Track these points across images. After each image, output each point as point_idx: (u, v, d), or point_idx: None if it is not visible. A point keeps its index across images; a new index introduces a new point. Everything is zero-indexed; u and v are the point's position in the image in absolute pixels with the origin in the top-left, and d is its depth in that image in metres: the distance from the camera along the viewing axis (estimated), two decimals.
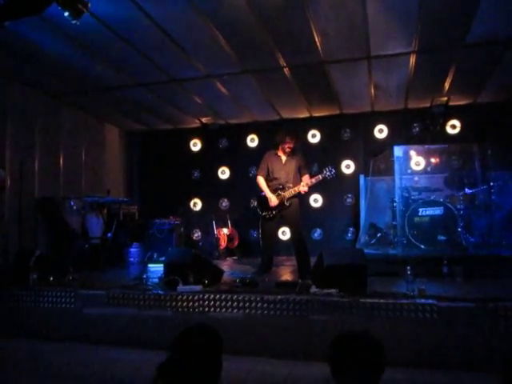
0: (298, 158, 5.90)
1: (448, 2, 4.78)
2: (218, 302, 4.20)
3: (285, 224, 6.39)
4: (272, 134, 9.04)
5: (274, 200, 5.69)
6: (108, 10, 4.84)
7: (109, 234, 7.49)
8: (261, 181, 5.92)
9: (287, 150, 5.80)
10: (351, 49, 5.84)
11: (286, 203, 5.68)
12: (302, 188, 5.63)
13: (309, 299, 3.98)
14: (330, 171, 5.63)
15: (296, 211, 5.79)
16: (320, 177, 5.65)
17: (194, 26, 5.22)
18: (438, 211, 6.38)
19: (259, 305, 4.07)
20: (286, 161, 5.87)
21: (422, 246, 6.24)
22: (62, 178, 7.82)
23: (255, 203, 6.18)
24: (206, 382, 1.57)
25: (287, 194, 5.67)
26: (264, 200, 5.82)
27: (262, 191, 5.91)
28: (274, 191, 5.77)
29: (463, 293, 4.12)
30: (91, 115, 8.64)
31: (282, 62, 6.24)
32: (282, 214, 5.79)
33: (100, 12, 4.85)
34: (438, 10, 4.87)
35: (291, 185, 5.71)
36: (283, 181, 5.77)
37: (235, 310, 4.13)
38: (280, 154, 5.88)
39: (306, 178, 5.78)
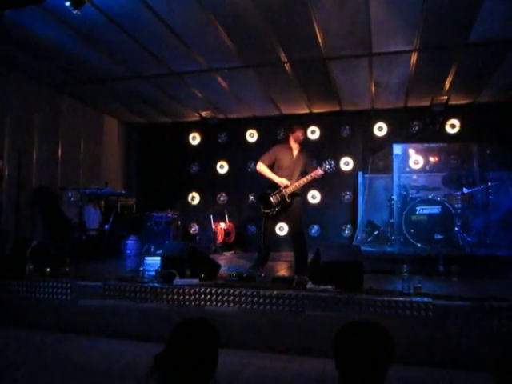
0: (305, 158, 5.76)
1: (451, 1, 4.77)
2: (214, 296, 4.21)
3: (286, 220, 6.10)
4: (272, 130, 9.16)
5: (285, 181, 5.49)
6: (109, 0, 4.82)
7: (106, 226, 7.47)
8: (263, 167, 5.67)
9: (301, 138, 5.66)
10: (352, 45, 5.84)
11: (288, 199, 5.53)
12: (312, 175, 5.41)
13: (305, 295, 3.99)
14: (330, 164, 5.47)
15: (299, 209, 5.67)
16: (321, 170, 5.45)
17: (195, 19, 5.20)
18: (435, 210, 6.40)
19: (255, 299, 4.07)
20: (296, 157, 5.69)
21: (419, 245, 6.25)
22: (60, 169, 7.81)
23: (256, 199, 5.98)
24: (202, 375, 1.58)
25: (289, 189, 5.52)
26: (266, 197, 5.62)
27: (271, 183, 5.63)
28: (274, 187, 5.60)
29: (459, 292, 4.12)
30: (90, 106, 8.62)
31: (283, 58, 6.23)
32: (285, 211, 5.61)
33: (101, 2, 4.83)
34: (440, 8, 4.86)
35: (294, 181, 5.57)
36: (287, 177, 5.59)
37: (231, 304, 4.14)
38: (292, 145, 5.69)
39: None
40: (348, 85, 7.31)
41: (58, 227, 7.13)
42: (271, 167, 5.73)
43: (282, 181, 5.53)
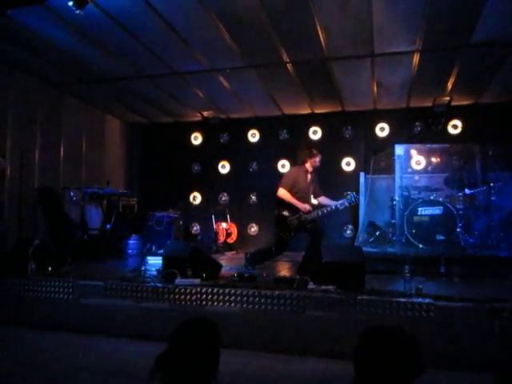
0: (315, 180, 5.70)
1: (454, 2, 4.76)
2: (215, 296, 4.21)
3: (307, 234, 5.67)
4: (273, 130, 9.16)
5: (308, 207, 5.39)
6: (112, 0, 4.83)
7: (108, 226, 7.49)
8: (286, 194, 5.45)
9: (318, 164, 5.63)
10: (355, 46, 5.83)
11: (308, 225, 5.40)
12: (337, 206, 5.41)
13: (306, 295, 3.99)
14: (355, 197, 5.43)
15: (318, 228, 5.57)
16: (346, 203, 5.40)
17: (197, 19, 5.21)
18: (437, 211, 6.39)
19: (257, 299, 4.08)
20: (310, 179, 5.63)
21: (421, 245, 6.24)
22: (62, 168, 7.83)
23: (274, 222, 5.62)
24: (203, 375, 1.58)
25: (310, 216, 5.38)
26: (284, 221, 5.45)
27: (287, 204, 5.45)
28: (295, 212, 5.42)
29: (460, 293, 4.12)
30: (92, 106, 8.63)
31: (286, 58, 6.23)
32: (303, 234, 5.51)
33: (104, 2, 4.84)
34: (443, 9, 4.86)
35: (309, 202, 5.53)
36: (304, 199, 5.48)
37: (233, 304, 4.14)
38: (308, 168, 5.61)
39: (324, 199, 5.62)
40: (350, 85, 7.31)
41: (60, 227, 7.14)
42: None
43: (305, 207, 5.40)
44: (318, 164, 5.66)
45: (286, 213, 5.45)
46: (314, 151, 5.67)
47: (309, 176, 5.65)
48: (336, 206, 5.43)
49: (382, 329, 1.54)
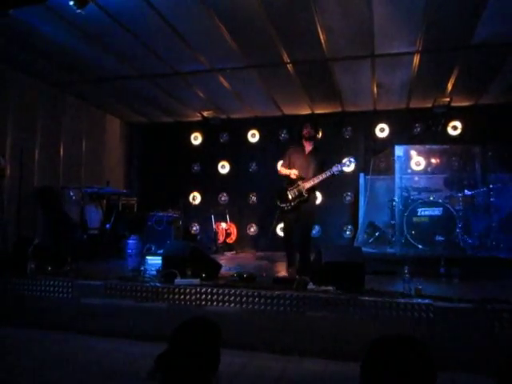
0: (316, 160, 5.65)
1: (454, 3, 4.77)
2: (215, 296, 4.21)
3: (299, 216, 5.62)
4: (273, 130, 9.16)
5: (294, 171, 5.49)
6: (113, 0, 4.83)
7: (107, 225, 7.49)
8: (283, 169, 5.69)
9: (306, 135, 5.64)
10: (355, 46, 5.83)
11: (305, 194, 5.44)
12: (332, 171, 5.35)
13: (306, 296, 3.99)
14: (350, 161, 5.45)
15: (314, 206, 5.67)
16: (340, 167, 5.38)
17: (198, 19, 5.21)
18: (436, 212, 6.39)
19: (256, 300, 4.07)
20: (308, 155, 5.66)
21: (420, 246, 6.25)
22: (62, 168, 7.83)
23: (274, 194, 5.78)
24: (203, 375, 1.58)
25: (307, 184, 5.43)
26: (284, 192, 5.57)
27: (284, 177, 5.65)
28: (292, 182, 5.54)
29: (459, 293, 4.12)
30: (92, 105, 8.63)
31: (286, 58, 6.24)
32: (300, 206, 5.50)
33: (104, 2, 4.84)
34: (443, 10, 4.86)
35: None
36: (303, 174, 5.54)
37: (232, 305, 4.14)
38: (304, 144, 5.70)
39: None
40: (350, 86, 7.31)
41: (60, 226, 7.14)
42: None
43: (292, 171, 5.52)
44: (306, 134, 5.67)
45: (286, 185, 5.59)
46: (303, 125, 5.73)
47: (306, 150, 5.71)
48: (331, 172, 5.38)
49: (396, 338, 1.47)
